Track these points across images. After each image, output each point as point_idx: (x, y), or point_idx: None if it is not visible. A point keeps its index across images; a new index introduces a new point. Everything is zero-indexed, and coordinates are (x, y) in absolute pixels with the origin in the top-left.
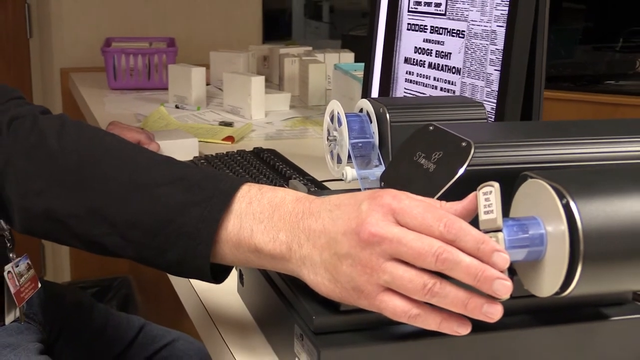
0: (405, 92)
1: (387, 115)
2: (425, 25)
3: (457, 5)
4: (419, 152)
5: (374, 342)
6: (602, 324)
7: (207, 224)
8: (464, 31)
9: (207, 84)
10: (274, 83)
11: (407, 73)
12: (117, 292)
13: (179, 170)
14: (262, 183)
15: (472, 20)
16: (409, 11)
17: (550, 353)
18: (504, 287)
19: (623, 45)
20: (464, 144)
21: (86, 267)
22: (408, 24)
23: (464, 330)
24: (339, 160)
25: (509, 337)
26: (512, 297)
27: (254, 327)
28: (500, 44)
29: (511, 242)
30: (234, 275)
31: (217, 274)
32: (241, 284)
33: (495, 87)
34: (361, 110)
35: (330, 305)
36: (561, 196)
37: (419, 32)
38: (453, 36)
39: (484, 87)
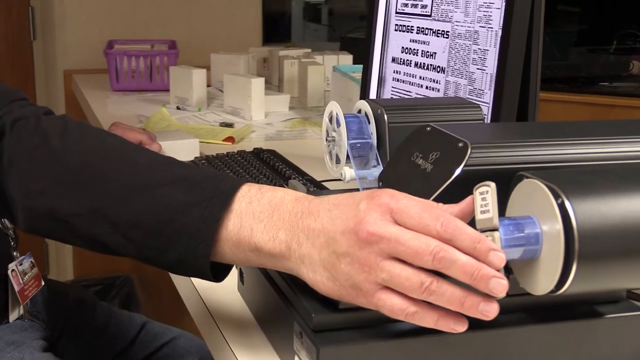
0: (392, 91)
1: (385, 116)
2: (412, 26)
3: (442, 7)
4: (417, 153)
5: (372, 340)
6: (596, 321)
7: (208, 224)
8: (448, 32)
9: (208, 86)
10: (273, 85)
11: (394, 72)
12: (119, 291)
13: (180, 170)
14: (262, 183)
15: (456, 21)
16: (396, 13)
17: (545, 350)
18: (500, 286)
19: (617, 47)
20: (460, 144)
21: (89, 266)
22: (396, 24)
23: (461, 327)
24: (338, 161)
25: (505, 334)
26: (508, 295)
27: (254, 325)
28: (482, 43)
29: (507, 241)
30: (234, 273)
31: (218, 272)
32: (241, 283)
33: (477, 85)
34: (359, 111)
35: (329, 304)
36: (556, 196)
37: (406, 33)
38: (438, 36)
39: (466, 85)
